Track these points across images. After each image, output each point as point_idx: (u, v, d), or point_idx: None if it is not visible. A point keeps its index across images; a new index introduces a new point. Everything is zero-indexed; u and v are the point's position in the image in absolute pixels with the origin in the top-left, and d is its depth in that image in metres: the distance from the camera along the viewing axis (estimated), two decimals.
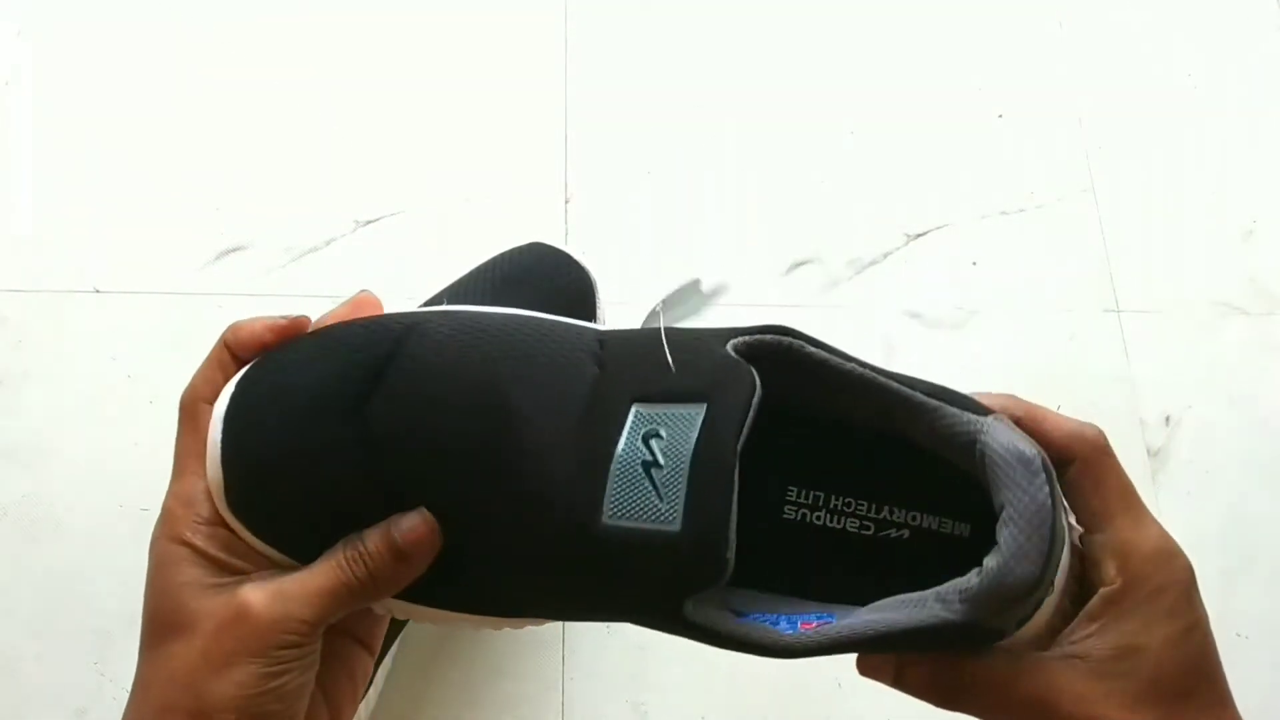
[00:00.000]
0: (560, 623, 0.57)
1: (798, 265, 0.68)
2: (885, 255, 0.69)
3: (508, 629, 0.35)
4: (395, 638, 0.53)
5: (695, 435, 0.29)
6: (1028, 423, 0.32)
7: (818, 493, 0.34)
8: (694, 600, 0.30)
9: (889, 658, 0.32)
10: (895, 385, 0.31)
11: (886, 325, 0.67)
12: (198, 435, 0.34)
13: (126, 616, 0.56)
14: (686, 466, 0.29)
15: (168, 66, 0.70)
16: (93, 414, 0.60)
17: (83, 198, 0.66)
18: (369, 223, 0.66)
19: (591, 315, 0.56)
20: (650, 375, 0.31)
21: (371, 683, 0.52)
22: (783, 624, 0.31)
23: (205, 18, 0.72)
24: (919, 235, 0.69)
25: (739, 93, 0.73)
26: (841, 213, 0.69)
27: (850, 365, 0.31)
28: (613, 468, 0.30)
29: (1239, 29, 0.79)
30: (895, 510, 0.34)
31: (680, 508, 0.29)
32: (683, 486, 0.29)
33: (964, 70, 0.75)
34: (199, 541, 0.32)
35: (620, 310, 0.64)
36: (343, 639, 0.34)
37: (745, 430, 0.29)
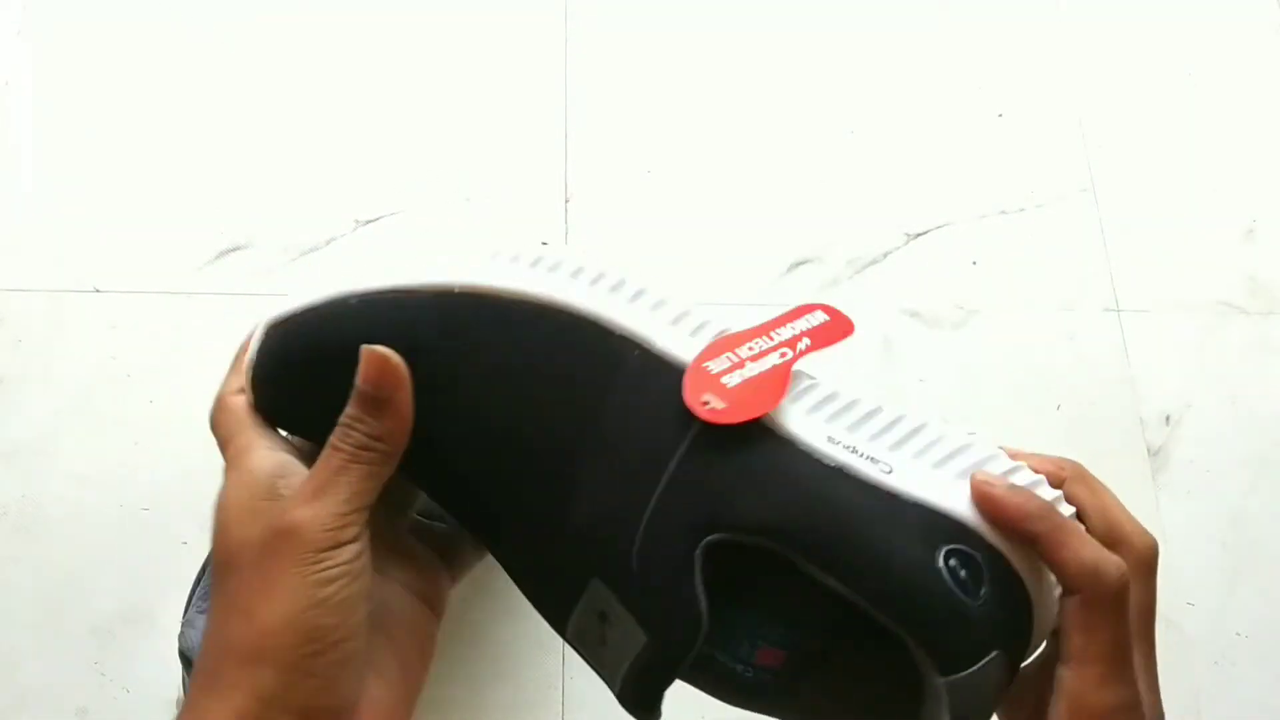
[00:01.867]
0: None
1: (798, 265, 0.68)
2: (885, 255, 0.69)
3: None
4: None
5: (633, 656, 0.31)
6: (1046, 545, 0.30)
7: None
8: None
9: None
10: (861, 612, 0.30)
11: (886, 324, 0.67)
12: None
13: (126, 616, 0.56)
14: (622, 674, 0.32)
15: (168, 66, 0.70)
16: (93, 414, 0.60)
17: (83, 198, 0.66)
18: (369, 222, 0.66)
19: None
20: (619, 543, 0.30)
21: None
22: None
23: (205, 17, 0.72)
24: (919, 235, 0.69)
25: (739, 92, 0.73)
26: (841, 212, 0.69)
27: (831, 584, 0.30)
28: (569, 624, 0.33)
29: (1239, 29, 0.79)
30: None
31: (618, 682, 0.32)
32: (619, 678, 0.32)
33: (964, 70, 0.75)
34: (255, 463, 0.32)
35: None
36: (405, 596, 0.35)
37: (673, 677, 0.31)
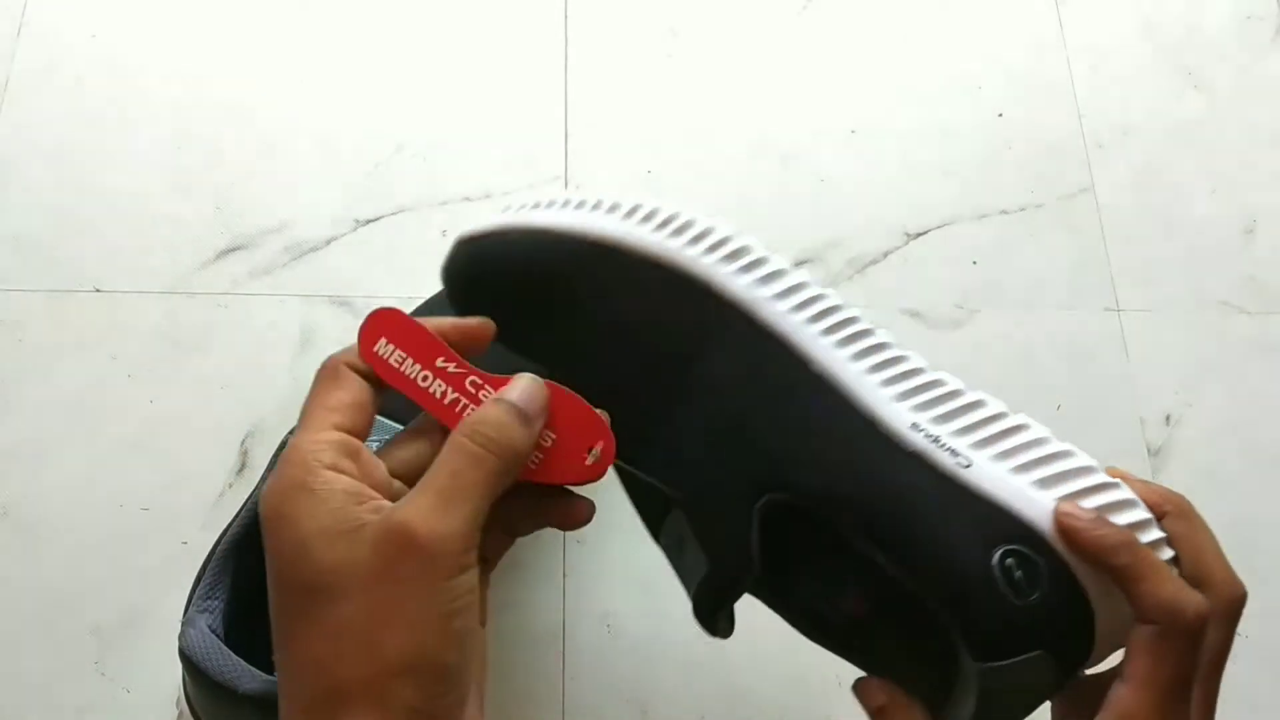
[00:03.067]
0: (560, 622, 0.57)
1: (798, 264, 0.67)
2: (885, 254, 0.69)
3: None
4: None
5: (699, 580, 0.34)
6: (1123, 579, 0.30)
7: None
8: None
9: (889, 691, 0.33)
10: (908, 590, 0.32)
11: (887, 324, 0.66)
12: (338, 387, 0.31)
13: (126, 616, 0.56)
14: (692, 592, 0.35)
15: (168, 65, 0.70)
16: (93, 414, 0.60)
17: (82, 197, 0.66)
18: (369, 222, 0.66)
19: None
20: (693, 484, 0.34)
21: None
22: None
23: (205, 16, 0.72)
24: (919, 234, 0.69)
25: (739, 92, 0.73)
26: (841, 212, 0.69)
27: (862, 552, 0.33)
28: (660, 539, 0.37)
29: (1239, 28, 0.79)
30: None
31: (690, 596, 0.35)
32: (691, 594, 0.35)
33: (964, 70, 0.75)
34: (323, 485, 0.27)
35: None
36: None
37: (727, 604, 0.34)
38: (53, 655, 0.55)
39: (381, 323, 0.33)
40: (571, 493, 0.34)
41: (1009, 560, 0.30)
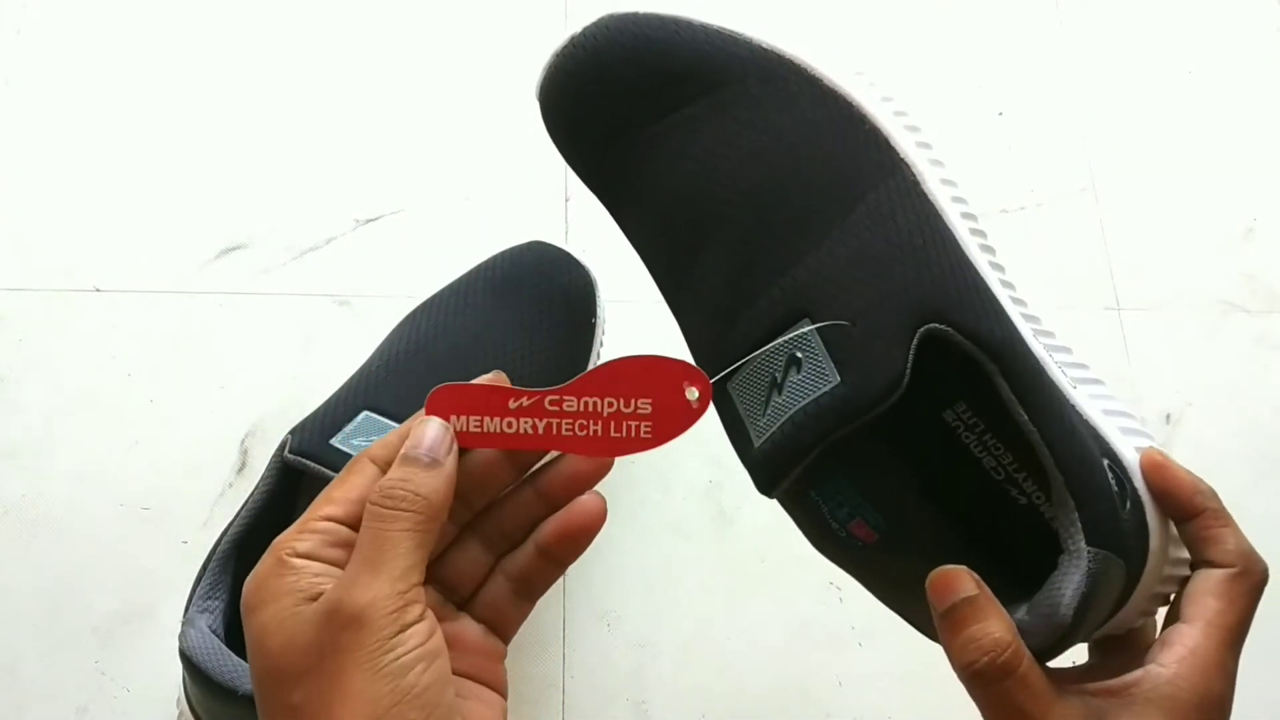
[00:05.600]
0: (560, 621, 0.57)
1: None
2: None
3: None
4: None
5: (812, 398, 0.33)
6: (1209, 521, 0.33)
7: (979, 421, 0.36)
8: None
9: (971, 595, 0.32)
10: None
11: None
12: (347, 480, 0.31)
13: (126, 616, 0.56)
14: (787, 416, 0.33)
15: (168, 65, 0.70)
16: (93, 414, 0.60)
17: (83, 197, 0.66)
18: (369, 221, 0.66)
19: (591, 314, 0.56)
20: (839, 303, 0.34)
21: None
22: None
23: (206, 16, 0.72)
24: None
25: None
26: None
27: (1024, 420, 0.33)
28: (738, 377, 0.35)
29: (1239, 28, 0.79)
30: (1030, 482, 0.36)
31: (776, 427, 0.33)
32: (781, 422, 0.33)
33: (964, 69, 0.75)
34: (289, 573, 0.28)
35: (621, 309, 0.64)
36: (469, 685, 0.31)
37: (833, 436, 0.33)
38: (53, 655, 0.55)
39: (441, 403, 0.32)
40: (584, 488, 0.33)
41: (1113, 471, 0.33)
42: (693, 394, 0.32)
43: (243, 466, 0.59)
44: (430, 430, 0.31)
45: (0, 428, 0.59)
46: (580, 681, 0.56)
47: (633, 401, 0.32)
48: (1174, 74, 0.77)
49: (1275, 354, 0.68)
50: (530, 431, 0.32)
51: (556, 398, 0.32)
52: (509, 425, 0.32)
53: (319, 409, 0.49)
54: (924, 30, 0.76)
